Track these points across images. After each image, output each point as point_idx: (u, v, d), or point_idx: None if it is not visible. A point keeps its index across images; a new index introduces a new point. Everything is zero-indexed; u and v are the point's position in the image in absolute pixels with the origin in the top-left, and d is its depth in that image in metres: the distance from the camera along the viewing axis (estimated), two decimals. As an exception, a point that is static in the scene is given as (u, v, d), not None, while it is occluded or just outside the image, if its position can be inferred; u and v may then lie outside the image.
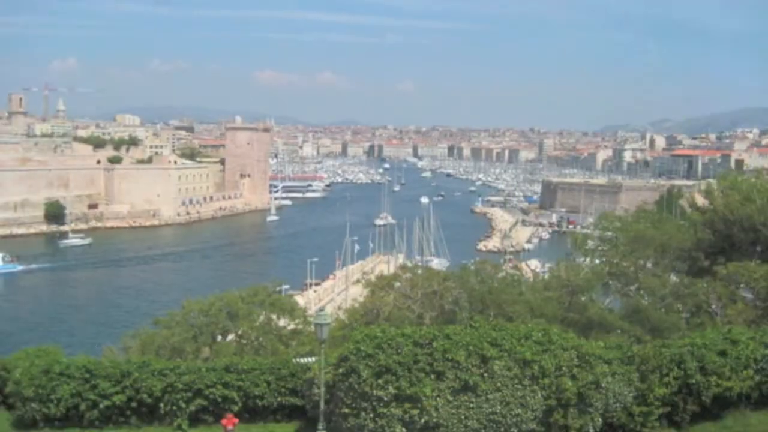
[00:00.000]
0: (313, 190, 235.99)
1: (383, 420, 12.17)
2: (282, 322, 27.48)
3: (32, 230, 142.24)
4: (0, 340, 64.29)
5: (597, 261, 34.26)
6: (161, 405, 14.34)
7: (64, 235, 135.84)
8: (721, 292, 24.93)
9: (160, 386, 14.30)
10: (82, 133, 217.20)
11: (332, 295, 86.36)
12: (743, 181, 35.46)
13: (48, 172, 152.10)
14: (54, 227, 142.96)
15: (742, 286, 25.63)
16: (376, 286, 30.28)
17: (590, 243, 37.31)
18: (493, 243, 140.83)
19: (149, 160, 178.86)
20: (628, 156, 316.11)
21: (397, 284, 30.14)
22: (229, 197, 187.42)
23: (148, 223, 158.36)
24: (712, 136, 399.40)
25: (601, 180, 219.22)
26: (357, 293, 57.00)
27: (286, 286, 58.77)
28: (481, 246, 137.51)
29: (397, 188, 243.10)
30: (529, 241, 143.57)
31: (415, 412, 12.12)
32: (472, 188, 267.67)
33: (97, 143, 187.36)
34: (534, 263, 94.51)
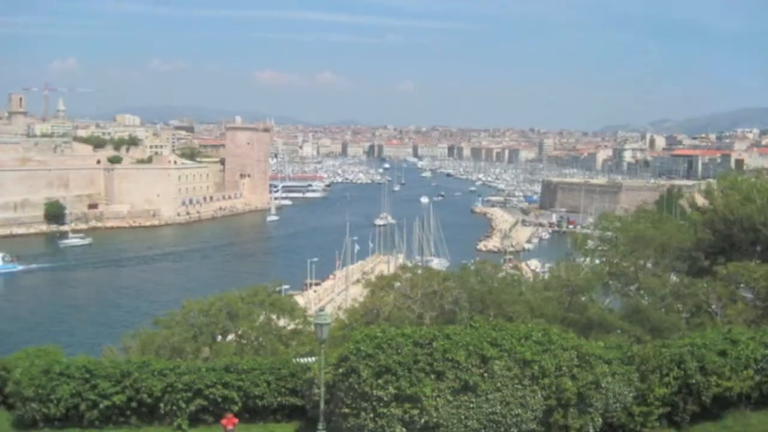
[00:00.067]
0: (313, 190, 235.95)
1: (383, 420, 12.17)
2: (282, 322, 27.48)
3: (32, 230, 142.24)
4: (0, 339, 64.30)
5: (597, 261, 34.26)
6: (161, 405, 14.34)
7: (64, 235, 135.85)
8: (721, 292, 24.92)
9: (160, 386, 14.30)
10: (82, 133, 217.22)
11: (332, 295, 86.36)
12: (743, 181, 35.45)
13: (48, 172, 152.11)
14: (54, 227, 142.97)
15: (742, 286, 25.62)
16: (376, 286, 30.28)
17: (590, 243, 37.31)
18: (493, 243, 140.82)
19: (149, 160, 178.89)
20: (628, 156, 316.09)
21: (397, 284, 30.14)
22: (229, 197, 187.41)
23: (148, 223, 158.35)
24: (712, 136, 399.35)
25: (601, 180, 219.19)
26: (357, 293, 57.00)
27: (286, 286, 58.79)
28: (481, 246, 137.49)
29: (397, 188, 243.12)
30: (529, 241, 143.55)
31: (415, 412, 12.12)
32: (472, 188, 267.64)
33: (97, 143, 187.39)
34: (534, 263, 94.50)
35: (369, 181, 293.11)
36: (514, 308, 25.56)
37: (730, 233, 31.01)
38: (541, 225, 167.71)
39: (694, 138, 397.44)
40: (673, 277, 31.36)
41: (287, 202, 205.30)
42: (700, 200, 40.54)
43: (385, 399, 12.19)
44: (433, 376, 12.38)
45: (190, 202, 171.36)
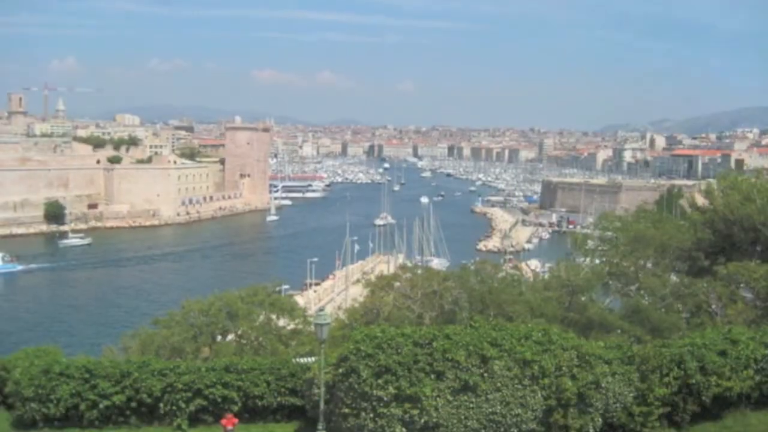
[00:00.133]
0: (313, 190, 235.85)
1: (383, 420, 12.17)
2: (282, 322, 27.46)
3: (32, 230, 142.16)
4: (0, 339, 64.28)
5: (597, 261, 34.25)
6: (161, 405, 14.35)
7: (63, 235, 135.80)
8: (721, 292, 24.89)
9: (160, 386, 14.30)
10: (81, 132, 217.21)
11: (332, 295, 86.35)
12: (743, 180, 35.34)
13: (48, 172, 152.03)
14: (54, 227, 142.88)
15: (742, 286, 25.58)
16: (376, 286, 30.27)
17: (590, 243, 37.30)
18: (493, 243, 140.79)
19: (149, 160, 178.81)
20: (628, 156, 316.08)
21: (397, 284, 30.13)
22: (229, 197, 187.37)
23: (147, 223, 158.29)
24: (712, 136, 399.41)
25: (601, 180, 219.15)
26: (357, 293, 57.01)
27: (286, 286, 58.80)
28: (481, 246, 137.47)
29: (396, 188, 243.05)
30: (529, 241, 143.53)
31: (415, 412, 12.12)
32: (472, 188, 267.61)
33: (97, 143, 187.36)
34: (534, 263, 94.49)
35: (369, 181, 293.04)
36: (514, 308, 25.55)
37: (730, 233, 30.97)
38: (541, 225, 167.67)
39: (694, 138, 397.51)
40: (673, 277, 31.33)
41: (287, 202, 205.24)
42: (700, 200, 40.50)
43: (385, 399, 12.18)
44: (433, 376, 12.37)
45: (190, 202, 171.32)
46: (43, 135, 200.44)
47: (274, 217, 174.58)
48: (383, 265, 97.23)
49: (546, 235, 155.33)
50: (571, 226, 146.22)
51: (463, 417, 12.30)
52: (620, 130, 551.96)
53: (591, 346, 13.80)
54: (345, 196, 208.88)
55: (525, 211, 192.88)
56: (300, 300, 56.65)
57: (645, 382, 13.71)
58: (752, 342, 14.71)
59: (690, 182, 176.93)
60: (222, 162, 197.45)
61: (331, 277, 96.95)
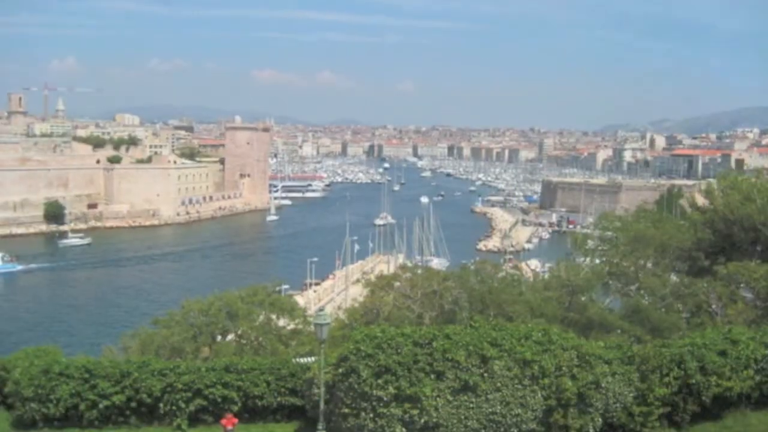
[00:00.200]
0: (313, 190, 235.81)
1: (383, 420, 12.16)
2: (282, 322, 27.45)
3: (32, 230, 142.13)
4: (0, 339, 64.27)
5: (597, 261, 34.26)
6: (161, 405, 14.34)
7: (63, 234, 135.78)
8: (721, 292, 24.88)
9: (160, 386, 14.30)
10: (81, 132, 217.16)
11: (332, 295, 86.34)
12: (743, 180, 35.33)
13: (47, 171, 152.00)
14: (53, 227, 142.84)
15: (742, 285, 25.56)
16: (376, 285, 30.26)
17: (590, 243, 37.31)
18: (493, 243, 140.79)
19: (149, 160, 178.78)
20: (628, 156, 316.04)
21: (397, 284, 30.12)
22: (229, 197, 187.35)
23: (147, 223, 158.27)
24: (712, 136, 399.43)
25: (601, 180, 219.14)
26: (357, 293, 57.00)
27: (286, 286, 58.73)
28: (481, 246, 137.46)
29: (396, 188, 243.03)
30: (529, 241, 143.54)
31: (415, 412, 12.11)
32: (472, 188, 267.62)
33: (97, 143, 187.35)
34: (534, 263, 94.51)
35: (369, 181, 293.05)
36: (514, 308, 25.54)
37: (730, 233, 30.96)
38: (541, 225, 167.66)
39: (694, 138, 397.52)
40: (673, 277, 31.33)
41: (287, 201, 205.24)
42: (700, 200, 40.50)
43: (385, 399, 12.18)
44: (433, 376, 12.36)
45: (190, 201, 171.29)
46: (43, 135, 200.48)
47: (274, 217, 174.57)
48: (383, 265, 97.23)
49: (546, 235, 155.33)
50: (571, 226, 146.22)
51: (463, 417, 12.29)
52: (620, 130, 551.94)
53: (591, 346, 13.79)
54: (345, 196, 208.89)
55: (525, 211, 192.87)
56: (300, 300, 56.63)
57: (645, 382, 13.71)
58: (752, 342, 14.70)
59: (690, 182, 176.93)
60: (222, 162, 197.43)
61: (331, 277, 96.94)
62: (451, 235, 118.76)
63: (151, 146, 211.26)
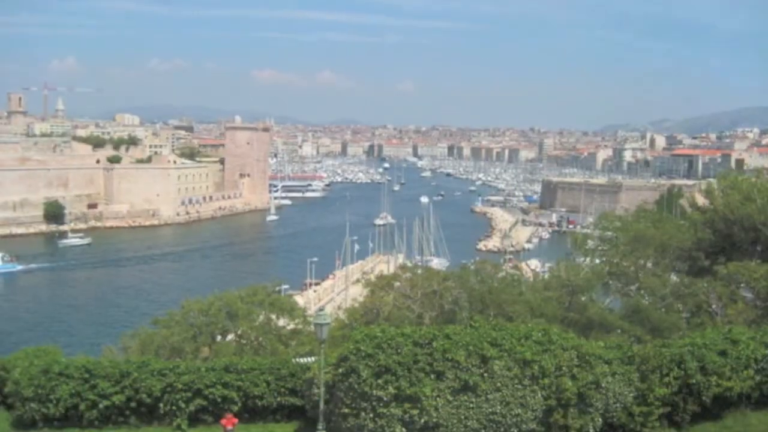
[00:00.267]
0: (313, 190, 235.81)
1: (383, 420, 12.15)
2: (281, 322, 27.45)
3: (31, 230, 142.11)
4: (0, 339, 64.31)
5: (597, 261, 34.25)
6: (161, 405, 14.34)
7: (63, 234, 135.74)
8: (721, 292, 24.87)
9: (160, 386, 14.29)
10: (81, 132, 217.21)
11: (332, 295, 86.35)
12: (743, 180, 35.32)
13: (47, 171, 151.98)
14: (53, 227, 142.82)
15: (742, 285, 25.56)
16: (376, 285, 30.25)
17: (590, 243, 37.31)
18: (493, 243, 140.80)
19: (149, 160, 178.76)
20: (628, 156, 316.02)
21: (397, 284, 30.11)
22: (229, 197, 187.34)
23: (147, 223, 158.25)
24: (713, 136, 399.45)
25: (601, 180, 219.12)
26: (357, 293, 56.99)
27: (286, 286, 58.72)
28: (481, 246, 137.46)
29: (396, 188, 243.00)
30: (529, 241, 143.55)
31: (415, 412, 12.10)
32: (472, 188, 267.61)
33: (97, 143, 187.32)
34: (534, 263, 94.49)
35: (369, 181, 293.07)
36: (514, 308, 25.54)
37: (730, 233, 30.95)
38: (541, 225, 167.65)
39: (695, 138, 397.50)
40: (674, 277, 31.33)
41: (287, 201, 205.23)
42: (701, 200, 40.49)
43: (385, 399, 12.17)
44: (433, 376, 12.36)
45: (190, 201, 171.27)
46: (43, 135, 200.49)
47: (274, 217, 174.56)
48: (383, 265, 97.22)
49: (546, 235, 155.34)
50: (571, 226, 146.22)
51: (463, 417, 12.28)
52: (620, 130, 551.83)
53: (591, 346, 13.79)
54: (345, 196, 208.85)
55: (525, 211, 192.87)
56: (300, 300, 56.62)
57: (645, 382, 13.70)
58: (752, 342, 14.70)
59: (690, 182, 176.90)
60: (222, 162, 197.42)
61: (331, 277, 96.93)
62: (451, 235, 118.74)
63: (151, 146, 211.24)
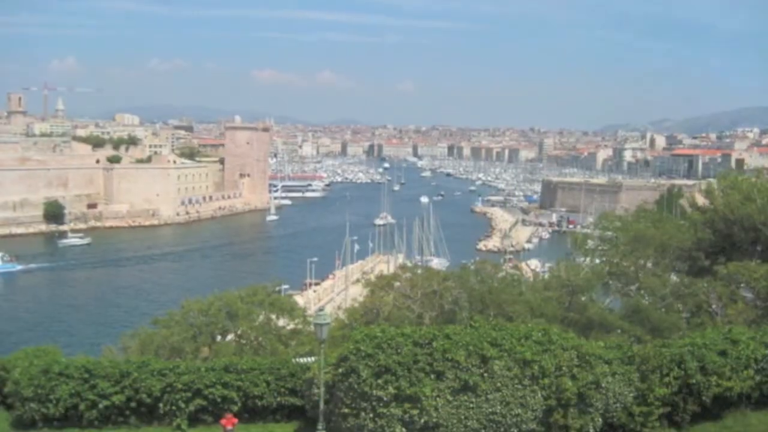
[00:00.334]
0: (313, 190, 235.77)
1: (383, 420, 12.15)
2: (281, 322, 27.43)
3: (31, 230, 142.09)
4: (-1, 339, 64.28)
5: (597, 261, 34.24)
6: (160, 405, 14.33)
7: (63, 234, 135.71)
8: (721, 292, 24.86)
9: (160, 386, 14.28)
10: (81, 132, 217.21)
11: (332, 295, 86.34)
12: (743, 180, 35.31)
13: (47, 171, 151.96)
14: (53, 227, 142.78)
15: (742, 285, 25.55)
16: (376, 285, 30.25)
17: (590, 243, 37.30)
18: (493, 243, 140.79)
19: (148, 160, 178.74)
20: (628, 155, 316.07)
21: (397, 284, 30.10)
22: (229, 197, 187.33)
23: (147, 223, 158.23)
24: (713, 136, 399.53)
25: (601, 180, 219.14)
26: (357, 293, 57.00)
27: (286, 286, 58.70)
28: (481, 246, 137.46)
29: (396, 188, 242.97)
30: (529, 241, 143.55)
31: (415, 412, 12.10)
32: (472, 188, 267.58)
33: (96, 143, 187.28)
34: (534, 263, 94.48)
35: (369, 181, 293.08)
36: (514, 308, 25.53)
37: (730, 233, 30.95)
38: (541, 225, 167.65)
39: (695, 137, 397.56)
40: (674, 277, 31.32)
41: (287, 201, 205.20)
42: (701, 200, 40.48)
43: (385, 399, 12.16)
44: (433, 376, 12.35)
45: (190, 201, 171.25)
46: (43, 135, 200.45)
47: (274, 217, 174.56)
48: (383, 264, 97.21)
49: (546, 235, 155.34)
50: (571, 226, 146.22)
51: (463, 417, 12.28)
52: (620, 130, 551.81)
53: (591, 346, 13.78)
54: (345, 196, 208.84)
55: (525, 211, 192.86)
56: (300, 300, 56.60)
57: (645, 382, 13.69)
58: (752, 342, 14.69)
59: (690, 182, 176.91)
60: (222, 162, 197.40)
61: (330, 276, 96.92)
62: (451, 235, 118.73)
63: (150, 146, 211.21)
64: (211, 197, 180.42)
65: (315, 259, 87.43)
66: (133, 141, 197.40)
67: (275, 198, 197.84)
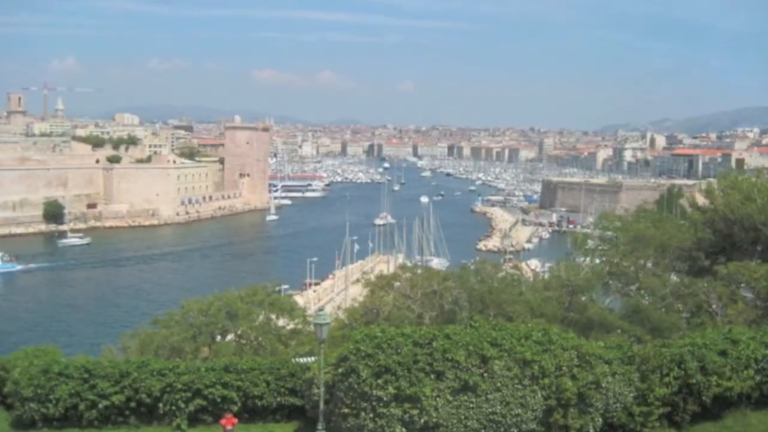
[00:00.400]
0: (313, 190, 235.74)
1: (383, 420, 12.14)
2: (281, 322, 27.43)
3: (31, 230, 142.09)
4: (-1, 339, 64.25)
5: (597, 261, 34.24)
6: (160, 405, 14.32)
7: (62, 234, 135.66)
8: (721, 292, 24.86)
9: (159, 386, 14.27)
10: (80, 132, 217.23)
11: (332, 295, 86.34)
12: (744, 180, 35.29)
13: (47, 171, 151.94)
14: (53, 227, 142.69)
15: (742, 285, 25.54)
16: (376, 285, 30.25)
17: (590, 243, 37.30)
18: (493, 243, 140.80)
19: (148, 160, 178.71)
20: (628, 155, 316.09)
21: (397, 284, 30.10)
22: (229, 197, 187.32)
23: (147, 223, 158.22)
24: (713, 136, 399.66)
25: (601, 179, 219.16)
26: (357, 293, 56.99)
27: (286, 286, 58.67)
28: (481, 246, 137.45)
29: (396, 188, 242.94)
30: (529, 241, 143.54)
31: (415, 412, 12.09)
32: (472, 188, 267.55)
33: (96, 143, 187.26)
34: (534, 263, 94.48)
35: (369, 181, 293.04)
36: (514, 308, 25.52)
37: (730, 233, 30.93)
38: (541, 225, 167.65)
39: (695, 137, 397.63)
40: (674, 277, 31.31)
41: (287, 201, 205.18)
42: (701, 200, 40.46)
43: (385, 399, 12.16)
44: (433, 376, 12.34)
45: (190, 201, 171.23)
46: (42, 134, 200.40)
47: (274, 217, 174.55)
48: (383, 264, 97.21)
49: (546, 235, 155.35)
50: (571, 226, 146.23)
51: (463, 417, 12.27)
52: (620, 130, 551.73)
53: (591, 346, 13.77)
54: (345, 196, 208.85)
55: (525, 211, 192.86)
56: (300, 300, 56.59)
57: (645, 382, 13.69)
58: (753, 342, 14.69)
59: (690, 182, 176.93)
60: (221, 162, 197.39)
61: (330, 276, 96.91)
62: (451, 235, 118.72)
63: (150, 146, 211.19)
64: (210, 197, 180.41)
65: (315, 259, 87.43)
66: (132, 141, 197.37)
67: (275, 198, 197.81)
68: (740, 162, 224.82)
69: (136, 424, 14.37)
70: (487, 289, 27.96)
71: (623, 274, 32.10)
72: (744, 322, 20.70)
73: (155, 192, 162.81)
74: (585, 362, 13.11)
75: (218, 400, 14.36)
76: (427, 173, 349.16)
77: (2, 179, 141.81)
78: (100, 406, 14.18)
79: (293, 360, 15.58)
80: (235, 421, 13.78)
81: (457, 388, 12.33)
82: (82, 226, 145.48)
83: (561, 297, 28.44)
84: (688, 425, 13.94)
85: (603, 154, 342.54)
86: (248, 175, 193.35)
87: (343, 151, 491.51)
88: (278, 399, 14.63)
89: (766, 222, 29.42)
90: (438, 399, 12.20)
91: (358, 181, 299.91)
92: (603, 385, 13.05)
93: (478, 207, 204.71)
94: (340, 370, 12.96)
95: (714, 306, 24.94)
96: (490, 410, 12.34)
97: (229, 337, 26.00)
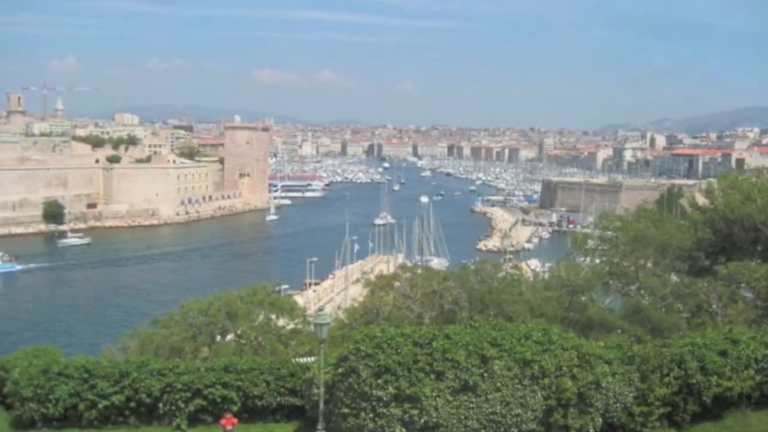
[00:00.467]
0: (313, 190, 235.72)
1: (383, 420, 12.13)
2: (281, 322, 27.41)
3: (31, 230, 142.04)
4: (-1, 339, 64.23)
5: (597, 261, 34.22)
6: (160, 405, 14.32)
7: (62, 234, 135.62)
8: (721, 292, 24.85)
9: (159, 386, 14.27)
10: (80, 132, 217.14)
11: (332, 295, 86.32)
12: (744, 180, 35.28)
13: (46, 171, 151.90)
14: (52, 227, 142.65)
15: (742, 285, 25.54)
16: (376, 285, 30.23)
17: (590, 243, 37.27)
18: (493, 243, 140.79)
19: (148, 160, 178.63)
20: (628, 155, 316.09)
21: (397, 284, 30.08)
22: (229, 196, 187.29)
23: (147, 223, 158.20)
24: (713, 136, 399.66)
25: (601, 179, 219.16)
26: (356, 293, 56.99)
27: (286, 286, 58.64)
28: (481, 246, 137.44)
29: (396, 187, 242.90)
30: (529, 241, 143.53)
31: (415, 412, 12.08)
32: (472, 187, 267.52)
33: (96, 142, 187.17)
34: (534, 263, 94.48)
35: (368, 181, 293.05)
36: (514, 308, 25.51)
37: (730, 233, 30.93)
38: (541, 224, 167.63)
39: (695, 137, 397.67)
40: (674, 277, 31.30)
41: (286, 201, 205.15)
42: (701, 199, 40.45)
43: (385, 399, 12.15)
44: (433, 376, 12.34)
45: (189, 201, 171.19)
46: (42, 134, 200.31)
47: (274, 217, 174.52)
48: (383, 264, 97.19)
49: (546, 235, 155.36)
50: (571, 226, 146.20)
51: (463, 417, 12.26)
52: (620, 130, 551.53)
53: (591, 346, 13.77)
54: (345, 196, 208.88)
55: (525, 211, 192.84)
56: (299, 300, 56.56)
57: (645, 382, 13.68)
58: (753, 342, 14.68)
59: (690, 182, 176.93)
60: (221, 161, 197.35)
61: (330, 276, 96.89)
62: (451, 235, 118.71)
63: (150, 146, 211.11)
64: (210, 197, 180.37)
65: (315, 259, 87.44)
66: (132, 141, 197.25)
67: (275, 198, 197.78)
68: (740, 162, 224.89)
69: (136, 424, 14.36)
70: (487, 289, 27.95)
71: (623, 274, 32.09)
72: (744, 322, 20.69)
73: (155, 192, 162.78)
74: (585, 362, 13.11)
75: (218, 400, 14.35)
76: (427, 173, 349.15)
77: (2, 179, 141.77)
78: (100, 406, 14.17)
79: (293, 360, 15.57)
80: (235, 421, 13.77)
81: (457, 388, 12.33)
82: (81, 226, 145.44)
83: (561, 297, 28.43)
84: (689, 425, 13.94)
85: (603, 154, 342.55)
86: (248, 175, 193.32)
87: (343, 151, 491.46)
88: (278, 399, 14.63)
89: (766, 222, 29.41)
90: (438, 399, 12.19)
91: (358, 181, 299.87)
92: (603, 385, 13.04)
93: (478, 207, 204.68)
94: (340, 370, 12.95)
95: (714, 306, 24.93)
96: (490, 410, 12.34)
97: (229, 337, 25.99)
